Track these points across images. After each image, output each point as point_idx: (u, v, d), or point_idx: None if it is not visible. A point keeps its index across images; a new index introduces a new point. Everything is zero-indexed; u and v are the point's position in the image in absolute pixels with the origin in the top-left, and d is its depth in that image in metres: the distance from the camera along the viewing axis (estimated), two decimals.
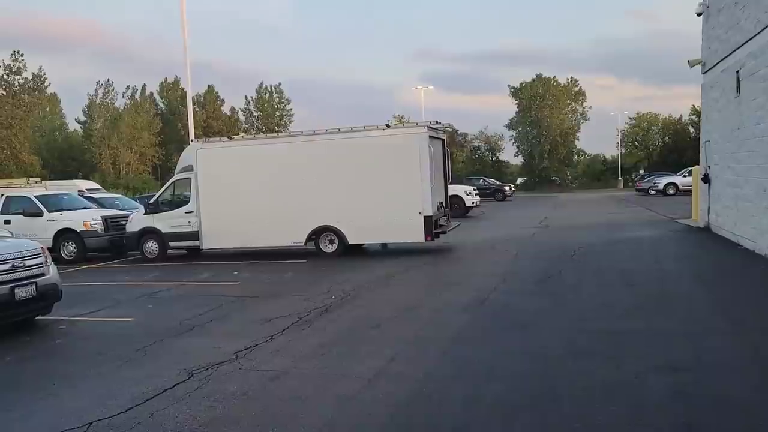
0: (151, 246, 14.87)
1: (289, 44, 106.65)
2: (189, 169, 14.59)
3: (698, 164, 16.87)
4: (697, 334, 6.14)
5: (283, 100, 68.16)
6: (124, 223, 15.49)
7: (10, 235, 12.67)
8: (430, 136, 13.15)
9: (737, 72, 12.23)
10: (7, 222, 15.23)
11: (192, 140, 17.86)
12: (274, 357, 5.97)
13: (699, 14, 15.38)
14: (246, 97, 67.71)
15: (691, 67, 15.85)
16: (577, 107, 66.53)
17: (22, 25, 75.06)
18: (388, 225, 13.15)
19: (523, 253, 12.96)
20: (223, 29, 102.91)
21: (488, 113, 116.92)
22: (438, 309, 7.90)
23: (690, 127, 58.60)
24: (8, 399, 5.22)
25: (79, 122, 60.02)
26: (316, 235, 13.72)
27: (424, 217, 12.92)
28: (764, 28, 10.61)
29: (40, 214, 15.39)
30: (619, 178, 60.86)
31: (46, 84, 50.64)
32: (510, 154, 69.74)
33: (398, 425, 4.31)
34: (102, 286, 11.56)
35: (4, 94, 44.17)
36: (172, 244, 14.85)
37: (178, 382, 5.30)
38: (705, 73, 15.37)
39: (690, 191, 20.85)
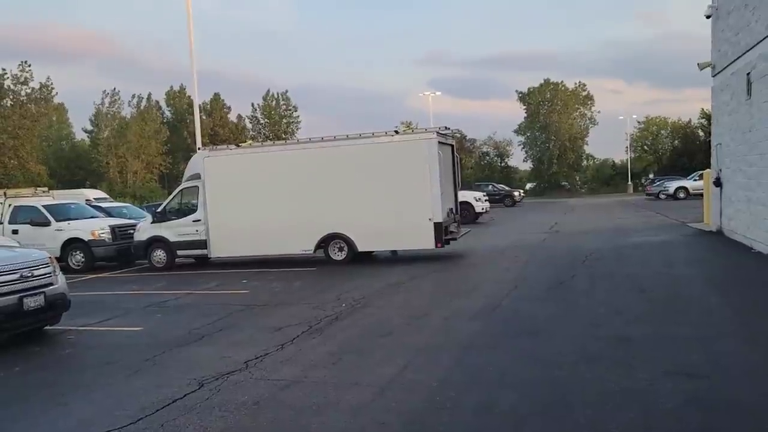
0: (159, 255, 14.86)
1: (295, 52, 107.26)
2: (196, 177, 14.59)
3: (709, 168, 16.71)
4: (711, 339, 6.03)
5: (290, 107, 68.28)
6: (131, 232, 15.50)
7: (17, 245, 12.76)
8: (439, 142, 13.09)
9: (748, 74, 12.11)
10: (15, 232, 15.31)
11: (199, 148, 17.89)
12: (285, 366, 5.90)
13: (708, 17, 15.27)
14: (253, 105, 67.93)
15: (701, 69, 15.72)
16: (586, 112, 66.34)
17: (29, 35, 75.98)
18: (397, 232, 13.08)
19: (534, 259, 12.84)
20: (230, 37, 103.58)
21: (496, 119, 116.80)
22: (449, 316, 7.81)
23: (699, 131, 58.18)
24: (17, 409, 5.17)
25: (86, 131, 60.41)
26: (325, 242, 13.66)
27: (434, 223, 12.84)
28: None
29: (48, 224, 15.43)
30: (629, 182, 60.52)
31: (53, 94, 50.88)
32: (519, 160, 69.68)
33: None
34: (110, 295, 11.54)
35: (12, 104, 44.48)
36: (180, 252, 14.84)
37: (189, 392, 5.24)
38: (715, 75, 15.24)
39: (700, 195, 20.69)
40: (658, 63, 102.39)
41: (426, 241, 12.96)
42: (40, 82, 47.74)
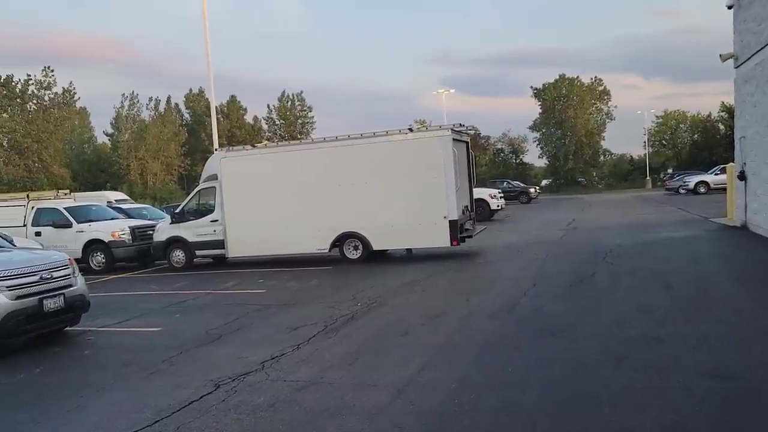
0: (178, 255, 14.96)
1: (309, 53, 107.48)
2: (213, 177, 14.65)
3: (731, 161, 16.34)
4: (744, 340, 5.84)
5: (305, 108, 68.56)
6: (151, 232, 15.62)
7: (40, 248, 12.91)
8: (453, 139, 12.96)
9: None
10: (38, 234, 15.52)
11: (216, 149, 17.96)
12: (301, 367, 5.85)
13: (729, 7, 14.93)
14: (268, 106, 68.31)
15: (723, 61, 15.38)
16: (602, 107, 65.62)
17: (53, 42, 77.12)
18: (412, 230, 12.99)
19: (552, 256, 12.66)
20: (245, 40, 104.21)
21: (511, 115, 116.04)
22: (466, 315, 7.70)
23: (720, 124, 57.22)
24: (37, 411, 5.19)
25: (107, 134, 61.20)
26: (340, 241, 13.62)
27: (450, 221, 12.73)
28: None
29: (70, 226, 15.61)
30: (647, 177, 59.70)
31: (75, 98, 51.69)
32: (534, 156, 69.16)
33: None
34: (130, 296, 11.63)
35: (36, 108, 45.24)
36: (198, 253, 14.92)
37: (205, 393, 5.22)
38: (738, 67, 14.89)
39: (722, 189, 20.28)
40: (675, 57, 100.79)
41: (441, 239, 12.85)
42: (63, 87, 48.61)
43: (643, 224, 18.42)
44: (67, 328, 8.09)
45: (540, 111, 65.09)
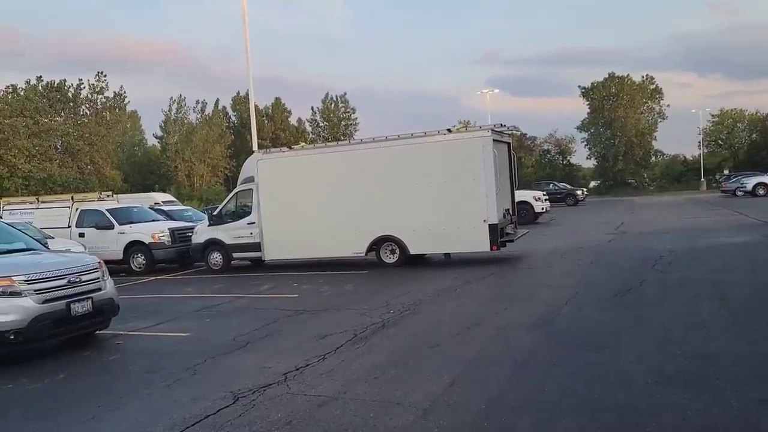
0: (216, 257, 14.99)
1: (353, 54, 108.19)
2: (250, 180, 14.62)
3: None
4: None
5: (348, 110, 68.72)
6: (190, 234, 15.73)
7: (82, 248, 13.14)
8: (494, 140, 12.49)
9: None
10: (82, 235, 15.84)
11: (254, 151, 17.99)
12: (325, 379, 5.58)
13: None
14: (312, 108, 68.80)
15: None
16: (654, 106, 62.98)
17: (105, 48, 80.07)
18: (451, 234, 12.58)
19: (598, 262, 12.04)
20: (290, 43, 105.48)
21: (558, 116, 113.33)
22: (503, 326, 7.27)
23: None
24: (52, 421, 5.09)
25: (156, 137, 62.90)
26: (376, 245, 13.34)
27: (489, 225, 12.27)
28: None
29: (111, 227, 15.86)
30: (702, 179, 57.18)
31: (125, 102, 53.34)
32: (582, 157, 67.09)
33: None
34: (165, 298, 11.65)
35: (89, 112, 46.84)
36: (235, 255, 14.91)
37: (222, 407, 4.99)
38: None
39: None
40: (732, 54, 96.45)
41: (481, 244, 12.40)
42: (114, 91, 50.18)
43: (696, 229, 17.43)
44: (97, 332, 8.06)
45: (588, 111, 63.11)
